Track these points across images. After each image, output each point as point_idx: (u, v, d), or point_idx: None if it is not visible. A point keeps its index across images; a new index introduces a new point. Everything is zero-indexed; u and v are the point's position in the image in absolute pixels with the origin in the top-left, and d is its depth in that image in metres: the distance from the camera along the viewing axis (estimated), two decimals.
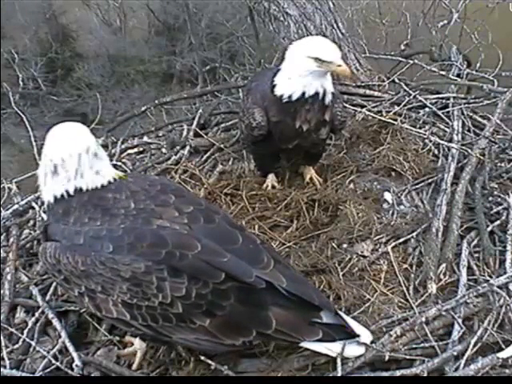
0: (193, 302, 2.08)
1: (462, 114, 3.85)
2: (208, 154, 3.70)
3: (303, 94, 2.88)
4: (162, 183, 2.41)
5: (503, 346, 2.38)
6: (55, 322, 2.56)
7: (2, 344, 2.54)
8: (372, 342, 2.27)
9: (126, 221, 2.17)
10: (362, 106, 4.01)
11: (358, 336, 2.21)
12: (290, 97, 2.90)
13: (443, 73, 4.53)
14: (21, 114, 3.72)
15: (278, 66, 3.07)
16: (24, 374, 2.43)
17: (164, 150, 3.80)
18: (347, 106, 3.81)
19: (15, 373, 2.42)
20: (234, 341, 2.14)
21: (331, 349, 2.19)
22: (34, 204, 3.27)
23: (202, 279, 2.08)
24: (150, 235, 2.12)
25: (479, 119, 3.86)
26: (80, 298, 2.20)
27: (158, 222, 2.16)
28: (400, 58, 4.88)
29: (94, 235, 2.14)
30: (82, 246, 2.14)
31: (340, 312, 2.28)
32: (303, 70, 2.83)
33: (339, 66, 2.78)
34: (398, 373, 2.27)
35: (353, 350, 2.23)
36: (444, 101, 4.06)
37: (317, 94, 2.89)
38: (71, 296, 2.33)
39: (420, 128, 3.76)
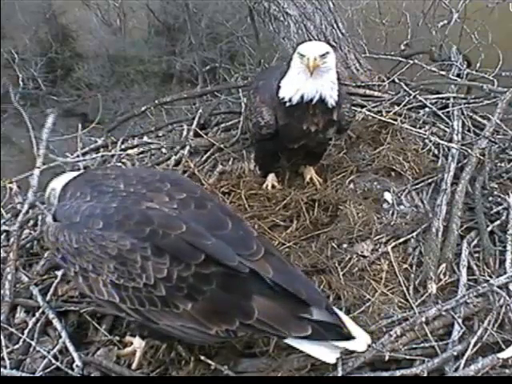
0: (174, 285, 2.09)
1: (462, 114, 3.85)
2: (208, 153, 3.70)
3: (302, 98, 2.91)
4: (163, 174, 2.46)
5: (503, 346, 2.39)
6: (55, 322, 2.57)
7: (2, 344, 2.55)
8: (372, 342, 2.26)
9: (115, 199, 2.23)
10: (362, 106, 4.01)
11: (354, 338, 2.12)
12: (290, 100, 2.93)
13: (443, 73, 4.53)
14: (22, 112, 3.73)
15: (284, 65, 3.09)
16: (24, 374, 2.43)
17: (164, 150, 3.80)
18: None
19: (15, 373, 2.43)
20: (218, 328, 2.12)
21: (325, 352, 2.14)
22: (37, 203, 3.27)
23: (184, 261, 2.09)
24: (137, 214, 2.16)
25: (479, 119, 3.87)
26: (76, 278, 2.25)
27: (148, 204, 2.20)
28: (400, 58, 4.88)
29: (89, 214, 2.20)
30: (77, 223, 2.21)
31: (338, 311, 2.22)
32: (293, 68, 2.90)
33: (308, 59, 2.80)
34: (397, 373, 2.28)
35: (352, 345, 2.15)
36: (444, 101, 4.06)
37: (313, 99, 2.91)
38: (69, 277, 2.39)
39: (420, 128, 3.76)
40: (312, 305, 2.13)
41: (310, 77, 2.86)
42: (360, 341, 2.14)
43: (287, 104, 2.95)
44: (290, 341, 2.15)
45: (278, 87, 2.99)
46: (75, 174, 2.58)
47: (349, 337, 2.13)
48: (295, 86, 2.92)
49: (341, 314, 2.22)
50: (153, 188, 2.30)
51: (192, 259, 2.09)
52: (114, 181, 2.34)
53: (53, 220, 2.36)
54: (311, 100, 2.92)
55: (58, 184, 2.55)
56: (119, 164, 3.67)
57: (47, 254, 2.96)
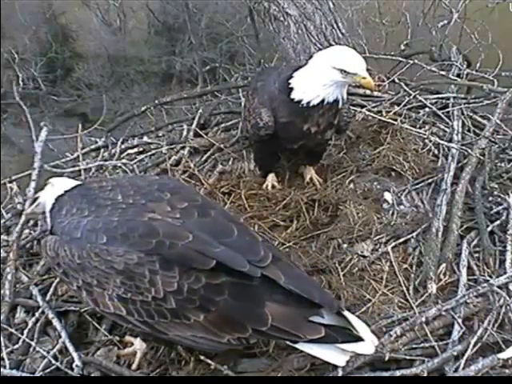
0: (185, 297, 2.07)
1: (462, 114, 3.85)
2: (208, 153, 3.70)
3: (322, 101, 2.90)
4: (161, 183, 2.42)
5: (503, 346, 2.39)
6: (55, 322, 2.56)
7: (2, 344, 2.55)
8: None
9: (115, 212, 2.20)
10: (362, 106, 4.01)
11: (363, 340, 2.11)
12: (308, 102, 2.92)
13: (443, 73, 4.52)
14: (23, 107, 3.73)
15: (282, 66, 3.07)
16: (24, 374, 2.43)
17: (164, 150, 3.80)
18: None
19: (15, 373, 2.43)
20: (230, 336, 2.10)
21: (335, 355, 2.12)
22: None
23: (194, 271, 2.06)
24: (142, 226, 2.14)
25: (479, 119, 3.86)
26: (79, 292, 2.22)
27: (150, 215, 2.18)
28: (400, 58, 4.87)
29: (91, 228, 2.17)
30: (79, 239, 2.18)
31: (346, 312, 2.19)
32: (328, 79, 2.85)
33: (364, 78, 2.79)
34: (397, 373, 2.28)
35: (360, 348, 2.13)
36: (444, 101, 4.06)
37: (335, 101, 2.92)
38: (71, 290, 2.36)
39: (420, 128, 3.76)
40: (324, 307, 2.13)
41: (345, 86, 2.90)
42: (368, 343, 2.13)
43: (302, 105, 2.93)
44: (299, 345, 2.13)
45: (289, 88, 2.96)
46: (68, 185, 2.49)
47: (358, 339, 2.11)
48: (320, 92, 2.89)
49: (348, 313, 2.20)
50: (152, 198, 2.27)
51: (202, 265, 2.06)
52: (111, 192, 2.31)
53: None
54: (332, 102, 2.92)
55: (49, 196, 2.50)
56: (119, 164, 3.66)
57: None
